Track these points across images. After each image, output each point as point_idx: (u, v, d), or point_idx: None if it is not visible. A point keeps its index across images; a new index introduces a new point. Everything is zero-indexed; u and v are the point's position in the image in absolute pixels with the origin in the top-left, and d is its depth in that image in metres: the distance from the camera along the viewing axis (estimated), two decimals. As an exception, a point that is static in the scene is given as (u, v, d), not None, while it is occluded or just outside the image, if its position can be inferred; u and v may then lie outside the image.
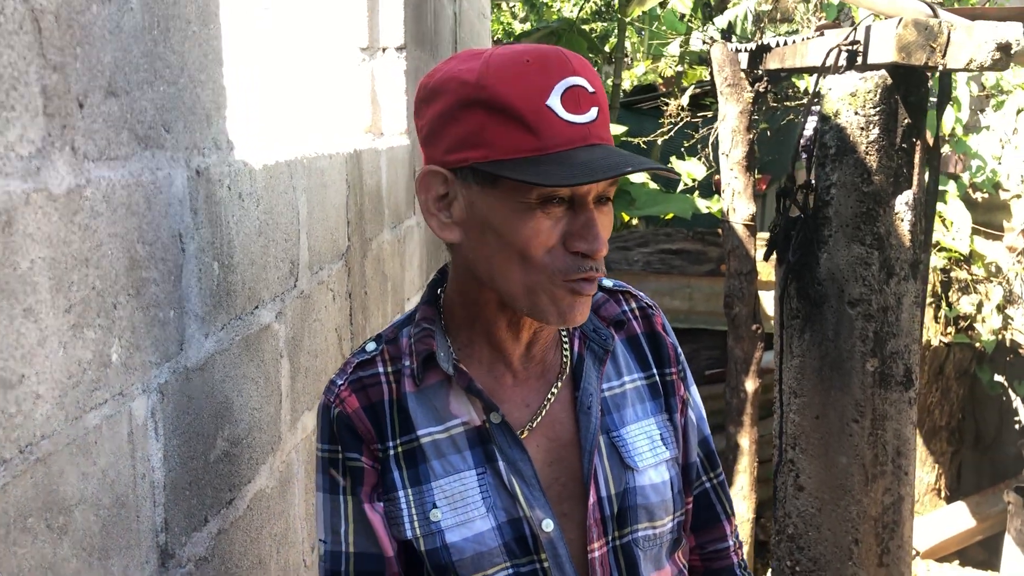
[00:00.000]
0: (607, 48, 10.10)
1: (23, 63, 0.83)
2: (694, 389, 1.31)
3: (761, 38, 3.54)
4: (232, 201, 1.38)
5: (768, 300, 4.97)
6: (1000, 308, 4.97)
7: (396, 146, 2.79)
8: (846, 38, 2.33)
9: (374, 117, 2.90)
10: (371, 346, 1.20)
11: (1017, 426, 5.25)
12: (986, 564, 5.01)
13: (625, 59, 11.52)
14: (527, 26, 11.70)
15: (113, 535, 1.01)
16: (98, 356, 0.97)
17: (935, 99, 2.78)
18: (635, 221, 5.63)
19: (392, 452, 1.15)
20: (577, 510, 1.15)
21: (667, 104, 6.64)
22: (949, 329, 4.99)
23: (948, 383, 5.13)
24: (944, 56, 1.99)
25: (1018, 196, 5.14)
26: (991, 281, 5.00)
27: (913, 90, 2.37)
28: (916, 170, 2.26)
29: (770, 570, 3.39)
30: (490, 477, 1.13)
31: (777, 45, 3.28)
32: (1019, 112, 5.24)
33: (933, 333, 4.92)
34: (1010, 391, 5.22)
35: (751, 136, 4.29)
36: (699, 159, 6.47)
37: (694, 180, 6.43)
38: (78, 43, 0.93)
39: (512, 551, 1.12)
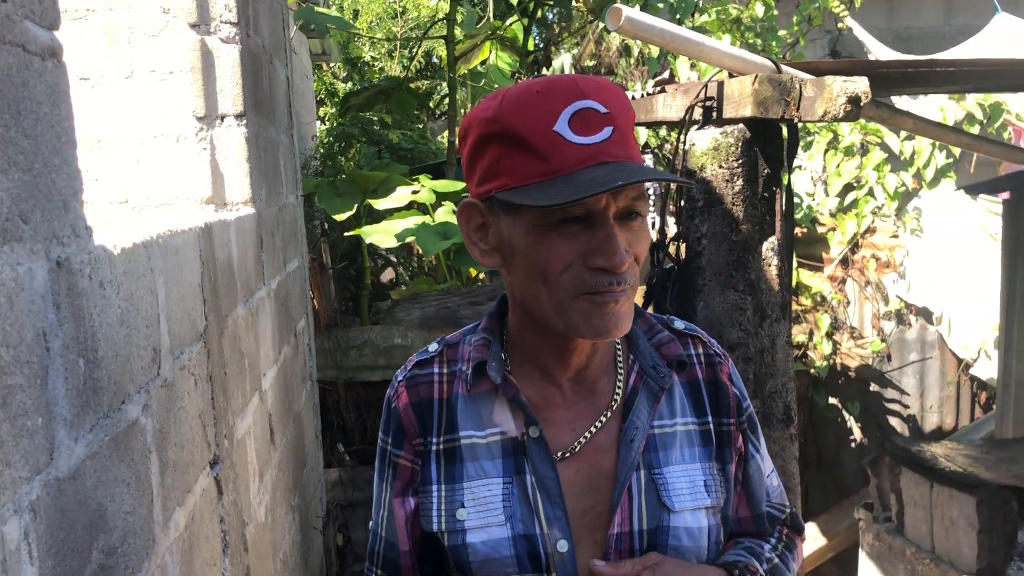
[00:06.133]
0: (431, 105, 10.19)
1: None
2: (761, 443, 1.30)
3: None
4: (94, 291, 1.28)
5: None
6: (829, 335, 5.30)
7: (244, 215, 2.69)
8: (697, 95, 2.45)
9: (215, 187, 2.79)
10: (433, 347, 1.27)
11: (853, 444, 5.57)
12: (839, 579, 5.27)
13: (458, 115, 11.65)
14: (350, 85, 11.67)
15: None
16: (-32, 481, 0.86)
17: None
18: (482, 276, 5.67)
19: (434, 448, 1.21)
20: (607, 540, 1.15)
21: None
22: (786, 358, 5.26)
23: (789, 410, 5.40)
24: (798, 109, 2.12)
25: (833, 230, 5.52)
26: (818, 310, 5.33)
27: (770, 142, 2.50)
28: (778, 217, 2.39)
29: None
30: (515, 488, 1.16)
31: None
32: (826, 152, 5.65)
33: (772, 363, 5.18)
34: (844, 412, 5.55)
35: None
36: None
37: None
38: (-71, 134, 0.83)
39: (523, 565, 1.14)
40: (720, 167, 2.37)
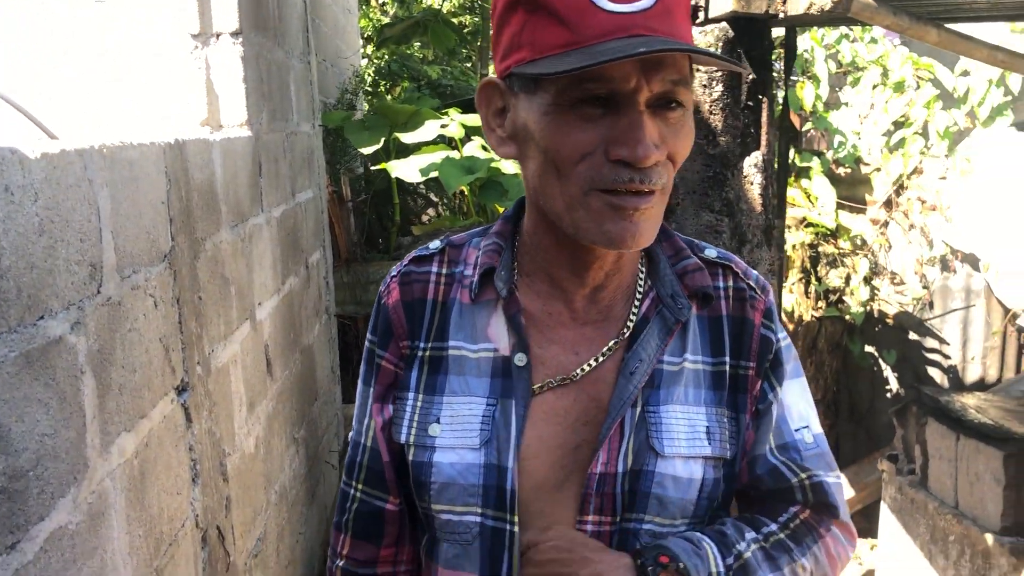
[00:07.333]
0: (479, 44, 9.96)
1: None
2: (783, 385, 1.11)
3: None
4: (-5, 195, 1.18)
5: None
6: (867, 280, 5.07)
7: (234, 137, 2.58)
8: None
9: (211, 108, 2.69)
10: (435, 244, 1.16)
11: (889, 394, 5.37)
12: (867, 532, 5.11)
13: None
14: (397, 22, 11.43)
15: None
16: None
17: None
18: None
19: (420, 353, 1.11)
20: (588, 480, 1.04)
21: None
22: (820, 303, 5.06)
23: (822, 357, 5.21)
24: (784, 3, 1.92)
25: (878, 170, 5.25)
26: (857, 254, 5.10)
27: (756, 43, 2.24)
28: (764, 129, 2.17)
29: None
30: (498, 413, 1.05)
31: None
32: (875, 87, 5.36)
33: (804, 308, 4.98)
34: (880, 361, 5.34)
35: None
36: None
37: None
38: None
39: (489, 498, 1.04)
40: (697, 70, 2.13)
